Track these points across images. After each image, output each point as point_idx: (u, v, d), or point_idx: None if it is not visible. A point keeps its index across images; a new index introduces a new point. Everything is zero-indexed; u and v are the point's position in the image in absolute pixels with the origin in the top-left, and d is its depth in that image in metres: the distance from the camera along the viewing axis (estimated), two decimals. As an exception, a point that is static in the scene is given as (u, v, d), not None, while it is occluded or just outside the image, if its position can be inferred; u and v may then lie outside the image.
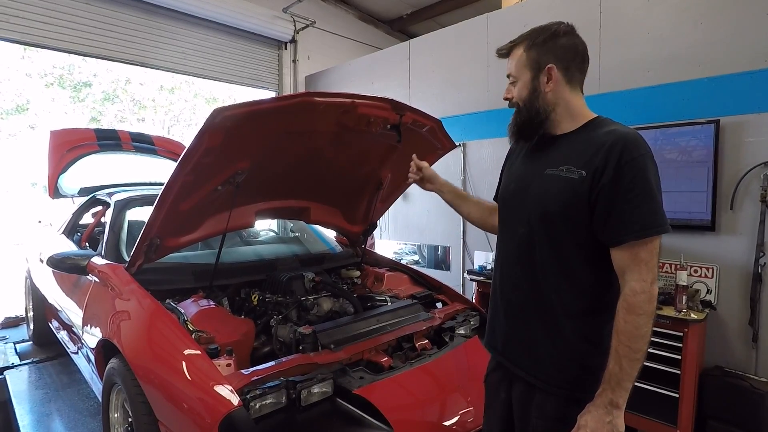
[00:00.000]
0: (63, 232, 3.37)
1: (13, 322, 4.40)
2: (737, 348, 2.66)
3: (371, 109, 1.80)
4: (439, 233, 4.52)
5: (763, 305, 2.56)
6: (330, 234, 3.19)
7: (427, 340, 2.07)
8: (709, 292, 2.73)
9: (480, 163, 4.10)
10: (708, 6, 2.75)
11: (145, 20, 4.88)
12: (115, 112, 10.59)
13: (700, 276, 2.76)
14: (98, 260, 2.27)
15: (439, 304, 2.53)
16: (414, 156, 1.65)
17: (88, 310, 2.21)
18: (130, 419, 1.75)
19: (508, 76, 1.27)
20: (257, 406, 1.43)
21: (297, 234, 3.33)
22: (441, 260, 4.56)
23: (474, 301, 3.41)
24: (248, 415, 1.38)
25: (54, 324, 3.17)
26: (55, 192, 3.52)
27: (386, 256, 3.16)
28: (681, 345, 2.49)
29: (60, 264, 2.26)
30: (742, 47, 2.63)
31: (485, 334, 1.41)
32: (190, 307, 1.91)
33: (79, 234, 3.42)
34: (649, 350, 2.03)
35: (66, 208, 3.65)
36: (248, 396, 1.43)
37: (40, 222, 4.19)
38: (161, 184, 1.76)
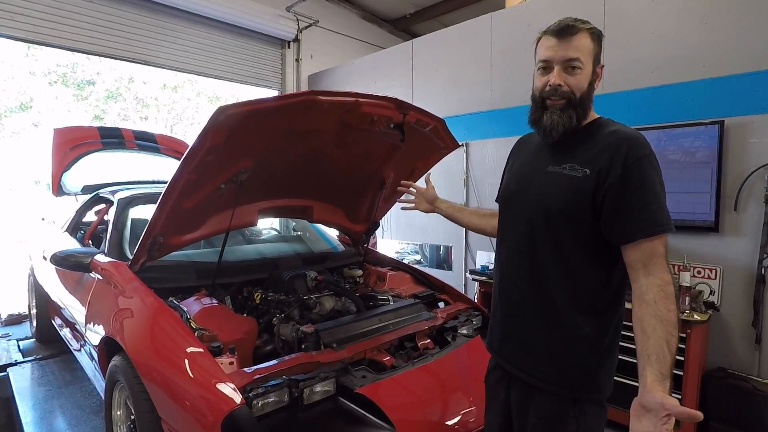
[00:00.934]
0: (66, 230, 3.38)
1: (16, 320, 4.42)
2: (740, 350, 2.65)
3: (375, 108, 1.80)
4: (441, 233, 4.52)
5: (766, 307, 2.55)
6: (332, 233, 3.19)
7: (429, 340, 2.07)
8: (712, 293, 2.72)
9: (483, 162, 4.09)
10: (712, 6, 2.74)
11: (148, 18, 4.89)
12: (118, 110, 10.62)
13: (703, 277, 2.75)
14: (101, 258, 2.28)
15: (441, 304, 2.53)
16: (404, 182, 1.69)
17: (91, 307, 2.21)
18: (132, 417, 1.75)
19: (571, 60, 1.12)
20: (259, 405, 1.43)
21: (299, 233, 3.34)
22: (443, 260, 4.56)
23: (476, 300, 3.41)
24: (251, 413, 1.38)
25: (57, 321, 3.18)
26: (58, 190, 3.53)
27: (388, 255, 3.16)
28: (684, 346, 2.48)
29: (63, 261, 2.26)
30: (747, 48, 2.61)
31: (487, 335, 1.41)
32: (192, 305, 1.91)
33: (82, 232, 3.43)
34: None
35: (69, 206, 3.66)
36: (251, 394, 1.43)
37: (43, 219, 4.21)
38: (164, 183, 1.76)
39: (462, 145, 4.09)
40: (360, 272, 2.76)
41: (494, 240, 1.40)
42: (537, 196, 1.19)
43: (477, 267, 4.00)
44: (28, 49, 9.16)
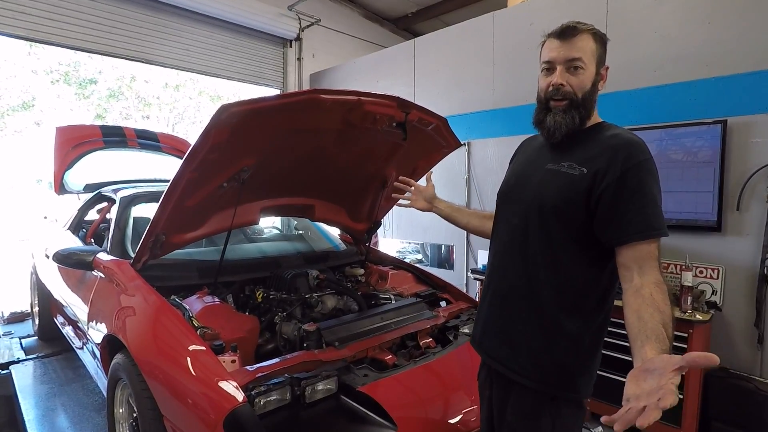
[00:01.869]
0: (68, 228, 3.39)
1: (18, 318, 4.43)
2: (742, 349, 2.64)
3: (377, 106, 1.80)
4: (442, 232, 4.51)
5: (769, 307, 2.55)
6: (334, 232, 3.19)
7: (431, 339, 2.08)
8: (714, 293, 2.71)
9: (484, 161, 4.09)
10: (715, 5, 2.73)
11: (150, 17, 4.89)
12: (120, 109, 10.65)
13: (705, 277, 2.74)
14: (104, 256, 2.29)
15: (443, 303, 2.53)
16: (401, 178, 1.68)
17: (93, 305, 2.22)
18: (134, 414, 1.75)
19: (573, 60, 1.14)
20: (262, 403, 1.43)
21: (301, 232, 3.34)
22: (444, 259, 4.56)
23: (477, 300, 3.41)
24: (253, 411, 1.38)
25: (59, 319, 3.19)
26: (60, 188, 3.53)
27: (390, 254, 3.16)
28: (686, 346, 2.48)
29: (66, 260, 2.27)
30: (750, 47, 2.61)
31: (473, 328, 1.41)
32: (195, 304, 1.91)
33: (84, 230, 3.44)
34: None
35: (71, 204, 3.67)
36: (253, 392, 1.43)
37: (45, 218, 4.21)
38: (166, 181, 1.76)
39: (464, 144, 4.09)
40: (362, 271, 2.77)
41: None
42: (534, 192, 1.20)
43: (478, 266, 4.00)
44: (30, 48, 9.19)
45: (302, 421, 1.48)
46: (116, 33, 4.65)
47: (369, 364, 1.81)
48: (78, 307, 2.44)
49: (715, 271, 2.72)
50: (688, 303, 2.52)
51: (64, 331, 3.10)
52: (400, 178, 1.79)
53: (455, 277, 4.35)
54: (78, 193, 3.63)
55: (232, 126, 1.58)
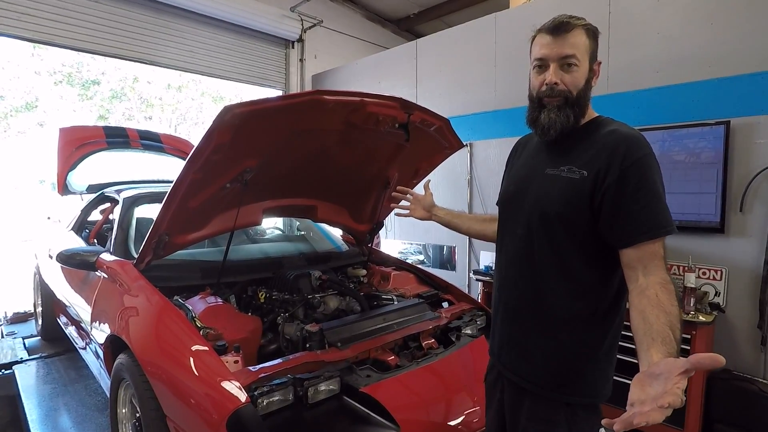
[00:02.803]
0: (72, 229, 3.40)
1: (21, 318, 4.44)
2: (746, 351, 2.64)
3: (380, 107, 1.80)
4: (444, 233, 4.49)
5: (772, 308, 2.54)
6: (336, 233, 3.19)
7: (433, 340, 2.07)
8: (717, 294, 2.71)
9: (486, 163, 4.09)
10: (718, 6, 2.73)
11: (153, 18, 4.91)
12: (122, 110, 10.68)
13: (708, 278, 2.74)
14: (107, 256, 2.29)
15: (445, 304, 2.53)
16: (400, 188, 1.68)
17: (96, 305, 2.22)
18: (137, 415, 1.76)
19: (567, 57, 1.11)
20: (264, 403, 1.44)
21: (303, 232, 3.34)
22: (446, 260, 4.56)
23: (480, 301, 3.41)
24: (256, 411, 1.38)
25: (62, 319, 3.20)
26: (64, 189, 3.54)
27: (392, 255, 3.16)
28: (689, 347, 2.47)
29: (69, 260, 2.28)
30: (753, 48, 2.60)
31: (489, 339, 1.39)
32: (197, 304, 1.92)
33: (87, 231, 3.45)
34: (657, 352, 2.03)
35: (74, 205, 3.68)
36: (256, 393, 1.43)
37: (49, 218, 4.23)
38: (169, 182, 1.77)
39: (466, 145, 4.08)
40: (364, 272, 2.77)
41: None
42: (535, 199, 1.17)
43: (481, 267, 4.00)
44: (33, 49, 9.22)
45: (305, 422, 1.48)
46: (119, 34, 4.67)
47: (371, 364, 1.81)
48: (81, 308, 2.45)
49: (718, 272, 2.71)
50: (691, 304, 2.52)
51: (67, 332, 3.11)
52: (398, 188, 1.79)
53: (457, 278, 4.34)
54: (81, 193, 3.64)
55: (236, 127, 1.58)
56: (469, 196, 4.17)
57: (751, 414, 2.42)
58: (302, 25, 6.03)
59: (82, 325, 2.44)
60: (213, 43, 5.40)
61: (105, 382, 2.18)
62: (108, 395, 2.03)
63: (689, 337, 2.47)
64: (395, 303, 2.30)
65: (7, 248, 7.40)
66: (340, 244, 3.06)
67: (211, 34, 5.38)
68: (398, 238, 5.03)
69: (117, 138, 3.66)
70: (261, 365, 1.61)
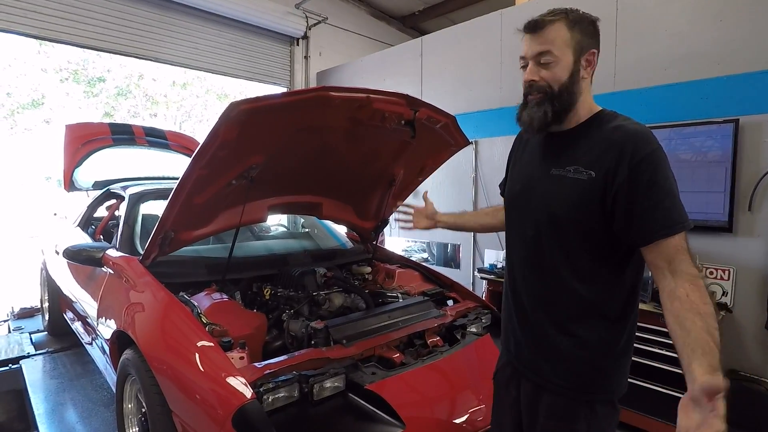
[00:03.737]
0: (78, 225, 3.42)
1: (28, 313, 4.47)
2: (753, 351, 2.61)
3: (386, 104, 1.79)
4: (448, 231, 4.49)
5: (780, 308, 2.52)
6: (341, 230, 3.19)
7: (438, 337, 2.07)
8: (725, 294, 2.68)
9: (492, 160, 4.07)
10: (727, 3, 2.70)
11: (158, 15, 4.92)
12: (128, 107, 10.72)
13: (716, 278, 2.71)
14: (113, 252, 2.30)
15: (450, 302, 2.53)
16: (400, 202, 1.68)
17: (102, 301, 2.23)
18: (143, 410, 1.76)
19: (541, 54, 1.12)
20: (270, 400, 1.44)
21: (308, 229, 3.34)
22: (451, 258, 4.54)
23: (484, 299, 3.40)
24: (261, 407, 1.38)
25: (68, 315, 3.22)
26: (70, 185, 3.56)
27: (396, 253, 3.16)
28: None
29: (75, 256, 2.29)
30: (763, 45, 2.57)
31: (501, 336, 1.38)
32: (203, 300, 1.92)
33: (93, 227, 3.47)
34: (662, 351, 2.02)
35: (80, 201, 3.70)
36: (261, 389, 1.43)
37: (55, 215, 4.25)
38: (174, 179, 1.77)
39: (471, 142, 4.07)
40: (369, 269, 2.76)
41: (503, 237, 1.38)
42: (541, 201, 1.16)
43: (485, 265, 3.98)
44: (39, 46, 9.27)
45: (310, 419, 1.48)
46: (125, 31, 4.68)
47: (376, 362, 1.81)
48: (87, 303, 2.46)
49: (726, 272, 2.69)
50: (698, 304, 2.50)
51: (73, 327, 3.13)
52: (397, 203, 1.80)
53: (462, 276, 4.33)
54: (87, 190, 3.65)
55: (242, 123, 1.58)
56: (473, 194, 4.16)
57: (758, 414, 2.41)
58: (307, 22, 6.02)
59: (89, 320, 2.45)
60: (218, 40, 5.41)
61: (111, 377, 2.19)
62: (114, 390, 2.04)
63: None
64: (400, 300, 2.30)
65: (14, 244, 7.45)
66: (344, 242, 3.06)
67: (216, 31, 5.38)
68: (402, 236, 5.03)
69: (123, 135, 3.67)
70: (266, 362, 1.61)
